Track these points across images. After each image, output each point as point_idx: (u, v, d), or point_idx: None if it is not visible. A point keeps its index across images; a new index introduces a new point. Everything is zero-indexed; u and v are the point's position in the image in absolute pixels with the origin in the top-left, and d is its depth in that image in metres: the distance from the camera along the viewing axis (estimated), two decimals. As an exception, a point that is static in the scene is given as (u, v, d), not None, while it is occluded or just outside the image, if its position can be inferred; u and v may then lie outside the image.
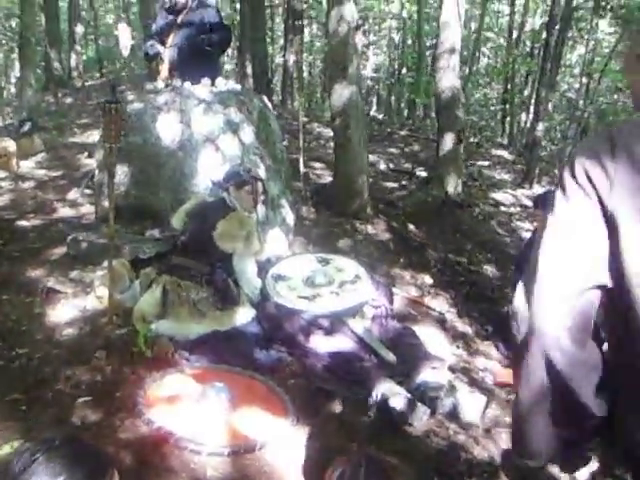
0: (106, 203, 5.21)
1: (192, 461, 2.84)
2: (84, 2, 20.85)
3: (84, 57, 19.95)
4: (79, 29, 18.04)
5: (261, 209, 4.93)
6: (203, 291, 3.94)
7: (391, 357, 3.84)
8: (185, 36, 5.75)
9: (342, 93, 6.03)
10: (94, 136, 9.32)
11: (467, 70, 15.95)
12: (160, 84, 5.45)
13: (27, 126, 8.35)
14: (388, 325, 4.18)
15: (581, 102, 13.46)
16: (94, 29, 21.79)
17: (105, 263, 4.43)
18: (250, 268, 4.19)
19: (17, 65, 18.96)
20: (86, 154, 7.91)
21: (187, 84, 5.39)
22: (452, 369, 4.02)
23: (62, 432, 1.70)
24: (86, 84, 16.30)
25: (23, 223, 5.76)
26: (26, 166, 7.78)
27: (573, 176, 1.30)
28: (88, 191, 6.39)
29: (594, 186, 1.26)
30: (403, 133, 12.56)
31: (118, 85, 4.36)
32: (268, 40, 20.77)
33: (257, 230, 4.33)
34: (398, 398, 3.31)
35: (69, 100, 13.28)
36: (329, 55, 6.62)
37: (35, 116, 9.18)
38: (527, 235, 6.29)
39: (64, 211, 6.07)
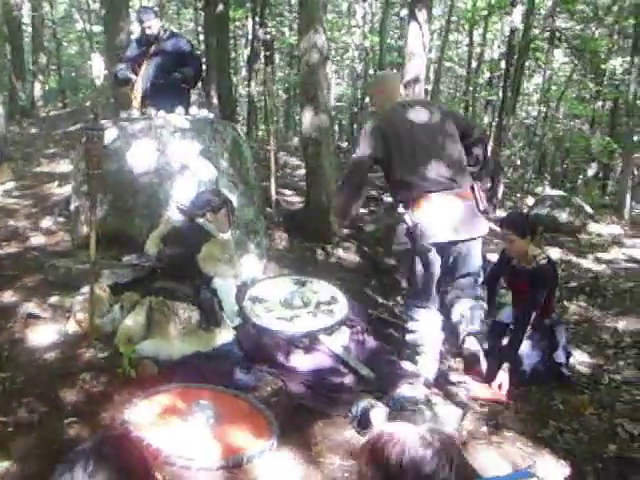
0: (83, 230, 5.29)
1: (182, 476, 2.91)
2: (46, 32, 20.82)
3: (46, 87, 19.86)
4: (42, 59, 18.04)
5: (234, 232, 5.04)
6: (190, 310, 4.03)
7: (369, 373, 3.96)
8: (158, 65, 5.88)
9: (313, 121, 6.20)
10: (61, 166, 9.35)
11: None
12: (135, 113, 5.55)
13: (-4, 155, 8.35)
14: (365, 343, 4.31)
15: (539, 129, 13.90)
16: (56, 59, 21.75)
17: (84, 288, 4.51)
18: (231, 289, 4.31)
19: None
20: (56, 183, 7.92)
21: (161, 113, 5.50)
22: (427, 384, 4.13)
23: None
24: (50, 114, 16.29)
25: (-4, 251, 5.77)
26: (-5, 195, 7.78)
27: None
28: (61, 219, 6.41)
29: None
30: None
31: (98, 114, 4.45)
32: (231, 71, 20.97)
33: (235, 252, 4.45)
34: (378, 411, 3.42)
35: (34, 130, 13.24)
36: (300, 83, 6.79)
37: (3, 145, 9.17)
38: (494, 256, 6.47)
39: (38, 239, 6.08)
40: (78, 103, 19.62)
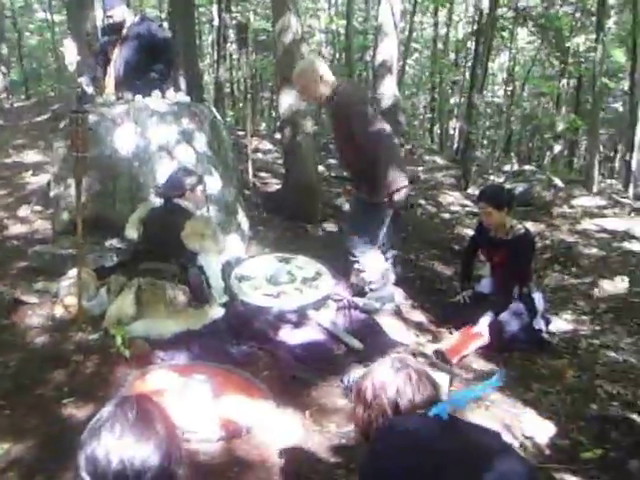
0: (64, 216, 5.27)
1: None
2: (6, 22, 20.39)
3: (9, 79, 19.49)
4: (3, 50, 17.71)
5: (211, 209, 5.07)
6: (178, 289, 4.07)
7: (358, 344, 4.05)
8: (133, 48, 5.80)
9: (291, 102, 6.24)
10: (31, 156, 9.25)
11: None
12: (112, 97, 5.53)
13: (-34, 147, 8.23)
14: (352, 316, 4.40)
15: (505, 108, 14.08)
16: (17, 50, 21.33)
17: (69, 273, 4.51)
18: (217, 265, 4.35)
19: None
20: (30, 172, 7.85)
21: (138, 97, 5.48)
22: (413, 354, 4.23)
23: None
24: (14, 105, 16.05)
25: (-25, 241, 5.72)
26: (-33, 186, 7.68)
27: None
28: (38, 207, 6.38)
29: None
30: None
31: (81, 96, 4.45)
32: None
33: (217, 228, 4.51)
34: (370, 380, 3.50)
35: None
36: (276, 65, 6.81)
37: (-26, 137, 9.04)
38: (469, 231, 6.60)
39: (17, 228, 6.04)
40: (41, 94, 19.33)
